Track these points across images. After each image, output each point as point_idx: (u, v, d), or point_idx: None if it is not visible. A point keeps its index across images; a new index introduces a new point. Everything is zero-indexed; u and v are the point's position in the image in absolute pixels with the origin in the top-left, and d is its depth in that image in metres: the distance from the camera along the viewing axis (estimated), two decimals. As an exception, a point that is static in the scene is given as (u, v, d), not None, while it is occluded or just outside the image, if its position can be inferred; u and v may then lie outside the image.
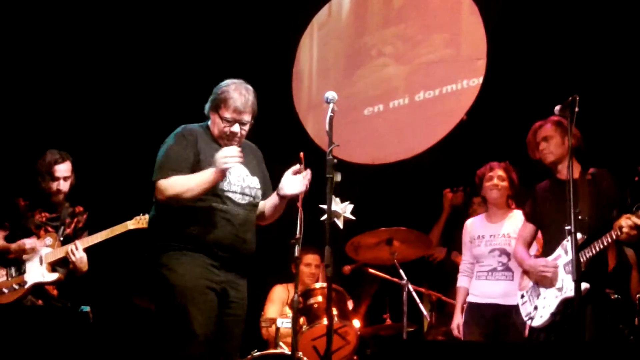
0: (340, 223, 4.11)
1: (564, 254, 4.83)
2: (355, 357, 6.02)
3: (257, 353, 5.64)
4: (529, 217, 5.27)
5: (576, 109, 4.51)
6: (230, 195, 4.35)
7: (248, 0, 8.41)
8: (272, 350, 5.78)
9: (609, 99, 6.46)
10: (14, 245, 5.59)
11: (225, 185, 4.33)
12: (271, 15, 8.34)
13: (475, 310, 5.73)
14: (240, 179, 4.42)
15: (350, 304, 6.19)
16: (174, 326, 4.18)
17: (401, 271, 5.98)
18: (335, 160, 4.03)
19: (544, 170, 5.16)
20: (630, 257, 6.38)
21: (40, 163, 5.69)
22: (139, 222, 5.65)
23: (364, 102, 8.18)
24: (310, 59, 8.63)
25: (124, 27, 8.14)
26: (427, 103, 7.89)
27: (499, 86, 7.09)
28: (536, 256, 5.18)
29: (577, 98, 4.52)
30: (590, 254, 4.65)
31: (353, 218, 4.20)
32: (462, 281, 5.93)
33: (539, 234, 5.29)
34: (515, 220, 5.66)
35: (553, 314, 4.82)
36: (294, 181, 4.33)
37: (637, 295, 5.39)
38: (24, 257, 5.59)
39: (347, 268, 6.65)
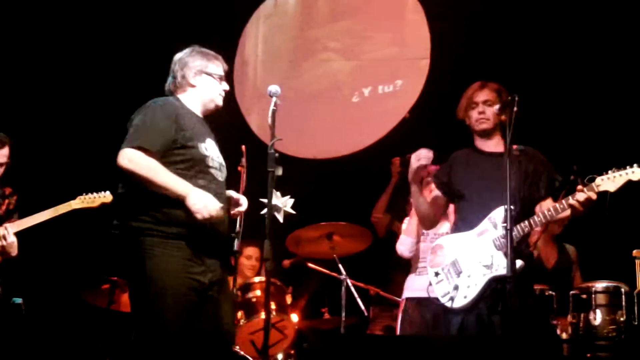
0: (280, 217, 4.12)
1: (492, 228, 4.49)
2: (292, 351, 6.04)
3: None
4: (442, 186, 4.89)
5: (515, 109, 4.55)
6: (212, 171, 4.19)
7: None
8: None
9: (550, 97, 6.62)
10: None
11: (209, 161, 4.18)
12: (214, 2, 8.27)
13: (416, 305, 5.76)
14: (216, 154, 4.27)
15: (288, 298, 6.21)
16: (146, 325, 3.95)
17: (340, 266, 6.03)
18: (277, 154, 4.04)
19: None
20: (571, 253, 6.49)
21: None
22: (84, 201, 5.42)
23: (309, 95, 8.18)
24: (255, 49, 8.55)
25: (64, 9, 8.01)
26: (371, 100, 7.93)
27: (443, 85, 7.17)
28: (451, 229, 4.98)
29: (517, 98, 4.56)
30: (523, 231, 4.43)
31: (293, 212, 4.21)
32: None
33: (451, 207, 5.12)
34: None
35: (480, 294, 4.47)
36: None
37: (571, 292, 5.46)
38: None
39: (286, 262, 6.66)
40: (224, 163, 4.33)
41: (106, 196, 5.45)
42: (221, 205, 4.01)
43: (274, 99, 4.15)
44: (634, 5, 6.75)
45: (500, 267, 4.37)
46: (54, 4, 7.93)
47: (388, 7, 8.05)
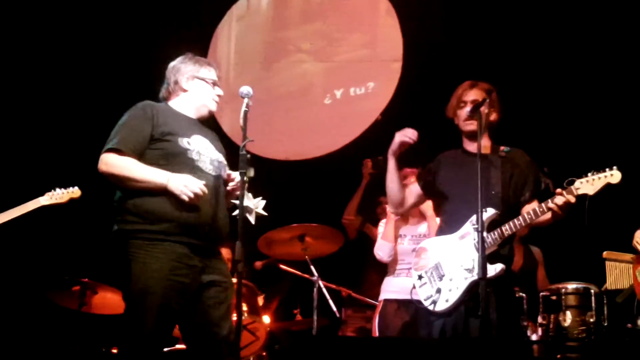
0: (252, 219, 4.10)
1: (473, 231, 4.39)
2: (264, 353, 6.03)
3: (166, 349, 5.58)
4: (426, 185, 4.84)
5: (485, 110, 4.57)
6: (199, 164, 4.16)
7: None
8: (180, 346, 5.74)
9: (523, 98, 6.66)
10: None
11: (191, 154, 4.15)
12: (187, 2, 8.24)
13: (395, 306, 5.77)
14: (209, 151, 4.24)
15: (260, 300, 6.20)
16: (126, 325, 4.01)
17: (312, 267, 6.03)
18: (248, 156, 4.02)
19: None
20: (536, 254, 6.53)
21: None
22: (53, 197, 5.34)
23: (281, 97, 8.18)
24: (227, 50, 8.54)
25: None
26: (343, 101, 7.95)
27: (415, 87, 7.20)
28: (437, 231, 4.90)
29: (487, 100, 4.59)
30: (504, 234, 4.41)
31: (265, 214, 4.20)
32: None
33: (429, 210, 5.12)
34: (431, 225, 5.72)
35: (461, 297, 4.42)
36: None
37: (541, 293, 5.48)
38: None
39: (258, 263, 6.66)
40: (221, 159, 4.32)
41: (75, 192, 5.39)
42: (203, 182, 4.02)
43: (245, 100, 4.14)
44: (605, 10, 6.83)
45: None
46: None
47: (360, 10, 8.09)
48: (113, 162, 4.01)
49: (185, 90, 4.38)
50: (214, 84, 4.44)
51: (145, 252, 3.97)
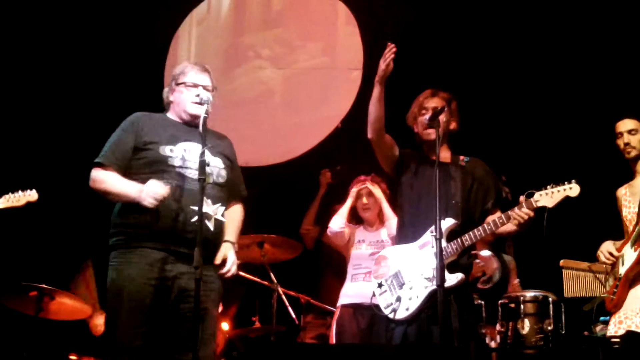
0: (211, 225, 4.07)
1: (433, 241, 4.29)
2: (222, 359, 5.99)
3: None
4: (402, 155, 4.81)
5: (443, 119, 4.58)
6: (182, 171, 4.13)
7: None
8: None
9: (481, 108, 6.71)
10: None
11: (172, 161, 4.14)
12: (145, 6, 8.15)
13: (351, 311, 5.78)
14: (196, 157, 4.09)
15: (219, 306, 6.15)
16: (106, 328, 4.14)
17: (271, 274, 6.01)
18: (207, 162, 4.00)
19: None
20: (508, 262, 6.54)
21: None
22: (9, 200, 5.23)
23: (240, 102, 8.14)
24: (188, 54, 8.48)
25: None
26: (303, 108, 7.94)
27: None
28: (395, 236, 4.93)
29: (445, 107, 4.61)
30: (464, 244, 4.43)
31: (224, 220, 4.17)
32: None
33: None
34: (390, 225, 5.74)
35: (421, 306, 4.44)
36: None
37: (499, 301, 5.51)
38: None
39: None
40: (216, 165, 4.26)
41: (32, 194, 5.28)
42: (165, 183, 4.02)
43: (205, 105, 4.11)
44: (562, 19, 6.90)
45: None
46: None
47: (319, 17, 8.10)
48: (97, 178, 4.15)
49: (171, 102, 4.42)
50: (194, 85, 4.34)
51: (122, 259, 4.07)
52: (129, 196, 4.05)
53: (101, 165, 4.16)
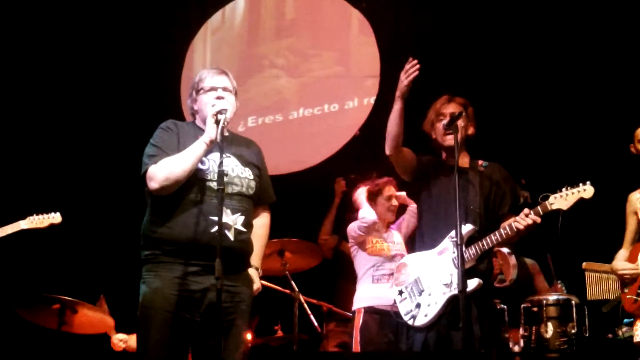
0: (231, 235, 4.05)
1: (452, 247, 4.44)
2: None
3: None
4: (420, 161, 4.81)
5: (461, 124, 4.58)
6: (211, 184, 4.03)
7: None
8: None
9: (498, 113, 6.69)
10: None
11: (204, 174, 4.05)
12: (161, 16, 8.21)
13: (376, 315, 5.73)
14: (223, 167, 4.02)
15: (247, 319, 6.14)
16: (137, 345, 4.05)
17: (292, 282, 6.00)
18: (226, 172, 3.99)
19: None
20: (530, 266, 6.50)
21: None
22: (33, 222, 5.40)
23: (256, 111, 8.17)
24: (203, 63, 8.49)
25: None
26: (320, 117, 7.95)
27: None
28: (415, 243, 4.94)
29: (462, 113, 4.61)
30: (481, 250, 4.44)
31: (244, 230, 4.15)
32: None
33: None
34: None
35: (440, 312, 4.46)
36: None
37: (522, 305, 5.48)
38: None
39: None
40: (245, 176, 4.18)
41: (55, 217, 5.42)
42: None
43: (222, 116, 4.08)
44: (578, 23, 6.89)
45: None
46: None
47: (334, 26, 8.11)
48: (156, 173, 3.96)
49: (196, 111, 4.32)
50: (212, 89, 4.24)
51: (151, 273, 3.99)
52: (198, 148, 3.98)
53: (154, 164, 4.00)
